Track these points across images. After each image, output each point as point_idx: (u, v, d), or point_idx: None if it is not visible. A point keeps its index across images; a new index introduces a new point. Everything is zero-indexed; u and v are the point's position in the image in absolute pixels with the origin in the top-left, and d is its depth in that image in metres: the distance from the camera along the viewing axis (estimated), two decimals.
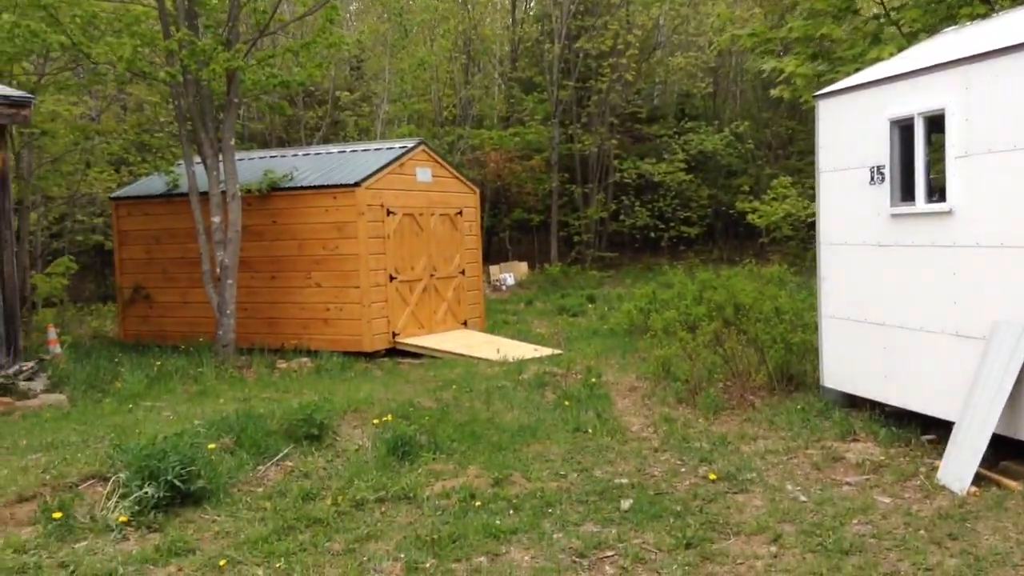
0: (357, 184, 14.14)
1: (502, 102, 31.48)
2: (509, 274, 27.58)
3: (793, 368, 9.68)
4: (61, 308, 19.42)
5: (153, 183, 16.74)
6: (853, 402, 8.29)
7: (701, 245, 30.82)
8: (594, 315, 19.36)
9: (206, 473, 6.35)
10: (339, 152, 15.93)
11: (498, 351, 12.96)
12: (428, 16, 24.86)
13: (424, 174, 15.43)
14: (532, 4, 33.47)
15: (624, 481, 6.56)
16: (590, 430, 8.08)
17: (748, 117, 29.62)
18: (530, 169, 28.80)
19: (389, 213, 14.59)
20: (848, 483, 6.40)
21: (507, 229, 30.71)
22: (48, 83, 13.98)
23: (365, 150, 15.70)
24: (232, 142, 13.76)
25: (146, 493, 5.81)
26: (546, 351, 14.13)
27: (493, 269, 27.68)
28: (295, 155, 16.26)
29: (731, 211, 28.50)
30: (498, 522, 5.66)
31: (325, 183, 14.51)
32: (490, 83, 30.20)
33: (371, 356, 14.19)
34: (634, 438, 7.87)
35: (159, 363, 11.90)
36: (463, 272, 16.20)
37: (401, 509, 6.14)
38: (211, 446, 7.12)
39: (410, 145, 15.36)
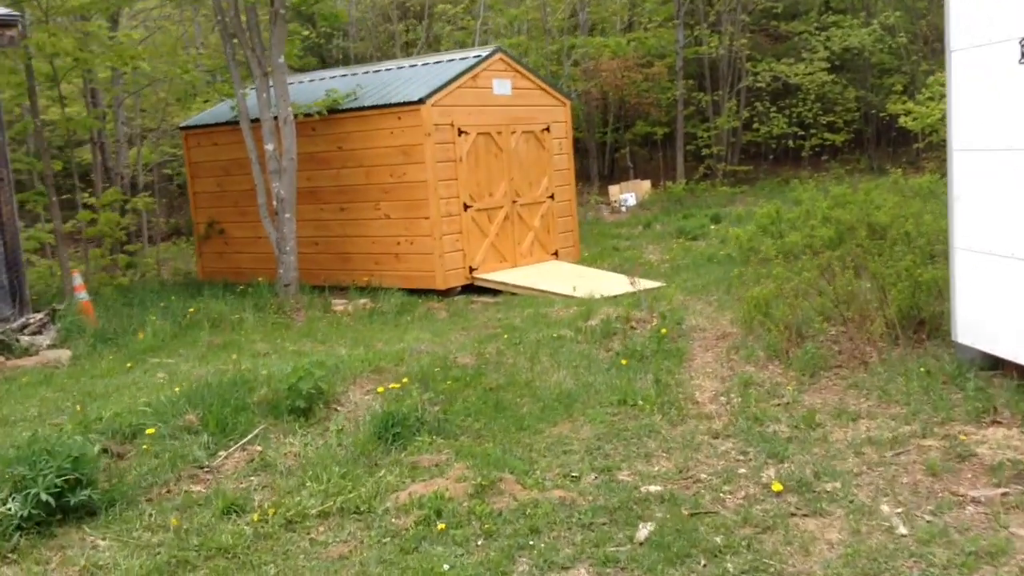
0: (421, 101, 12.48)
1: (622, 6, 28.99)
2: (630, 194, 25.52)
3: (926, 310, 7.56)
4: (175, 243, 18.78)
5: (222, 110, 15.58)
6: (997, 364, 6.17)
7: (848, 154, 27.77)
8: (716, 238, 17.32)
9: (114, 475, 4.98)
10: (409, 67, 14.27)
11: (574, 289, 11.20)
12: None
13: (502, 86, 13.61)
14: None
15: (654, 489, 4.79)
16: (641, 401, 6.30)
17: (900, 7, 26.09)
18: (651, 77, 26.35)
19: (461, 133, 12.90)
20: (975, 500, 4.43)
21: (628, 144, 28.48)
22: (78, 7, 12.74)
23: (437, 62, 13.97)
24: (282, 59, 12.30)
25: (9, 510, 4.48)
26: (644, 284, 12.30)
27: (612, 189, 25.70)
28: (365, 73, 14.70)
29: (882, 114, 25.35)
30: (446, 567, 4.03)
31: (388, 101, 12.93)
32: None
33: (445, 294, 12.71)
34: (693, 415, 6.05)
35: (194, 308, 10.73)
36: (552, 196, 14.40)
37: (343, 531, 4.60)
38: (150, 431, 5.77)
39: (484, 54, 13.54)
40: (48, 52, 11.11)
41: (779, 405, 6.09)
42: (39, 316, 9.25)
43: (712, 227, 18.90)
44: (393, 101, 12.84)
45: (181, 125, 15.83)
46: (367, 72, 14.62)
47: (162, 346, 9.17)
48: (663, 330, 7.85)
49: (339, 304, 11.64)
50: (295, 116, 13.20)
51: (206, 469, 5.62)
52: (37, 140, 12.73)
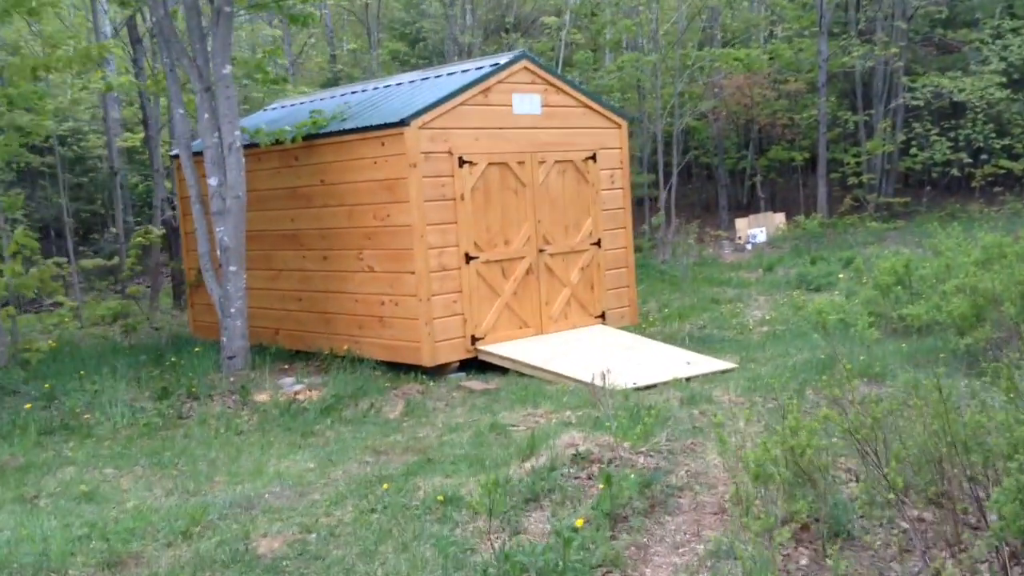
0: (403, 122, 9.56)
1: (764, 17, 25.24)
2: (759, 229, 21.80)
3: None
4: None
5: None
6: None
7: None
8: (843, 290, 13.71)
9: None
10: (418, 80, 11.35)
11: (593, 376, 7.62)
12: None
13: (526, 103, 10.50)
14: None
15: None
16: None
17: None
18: (787, 94, 22.50)
19: (463, 163, 9.89)
20: None
21: (760, 172, 24.63)
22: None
23: (450, 74, 11.01)
24: (227, 70, 9.67)
25: None
26: (707, 365, 9.01)
27: (739, 223, 22.04)
28: (358, 92, 11.88)
29: None
30: None
31: (369, 123, 10.06)
32: None
33: (438, 371, 9.69)
34: None
35: (30, 405, 8.09)
36: (598, 243, 11.12)
37: None
38: None
39: (503, 62, 10.46)
40: None
41: None
42: None
43: (840, 275, 15.10)
44: (374, 123, 9.97)
45: (172, 152, 13.47)
46: (364, 91, 11.80)
47: None
48: (579, 521, 4.46)
49: (266, 392, 8.77)
50: (261, 144, 10.58)
51: None
52: None
